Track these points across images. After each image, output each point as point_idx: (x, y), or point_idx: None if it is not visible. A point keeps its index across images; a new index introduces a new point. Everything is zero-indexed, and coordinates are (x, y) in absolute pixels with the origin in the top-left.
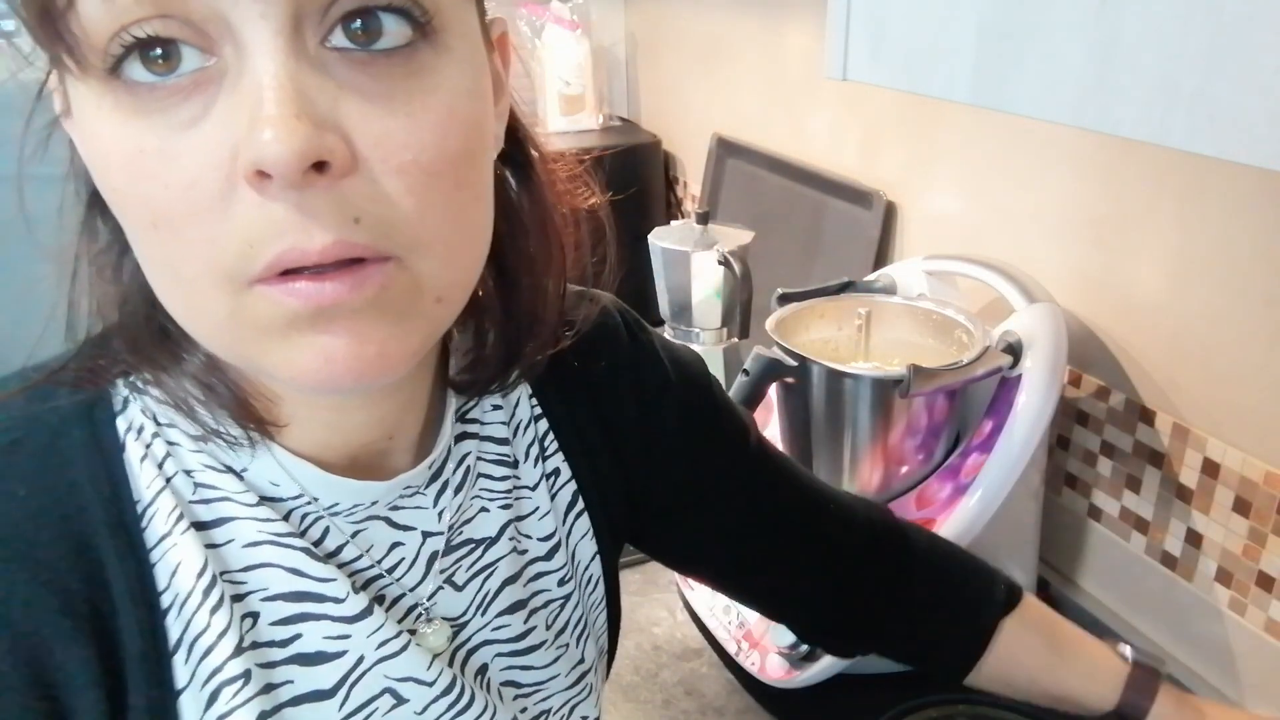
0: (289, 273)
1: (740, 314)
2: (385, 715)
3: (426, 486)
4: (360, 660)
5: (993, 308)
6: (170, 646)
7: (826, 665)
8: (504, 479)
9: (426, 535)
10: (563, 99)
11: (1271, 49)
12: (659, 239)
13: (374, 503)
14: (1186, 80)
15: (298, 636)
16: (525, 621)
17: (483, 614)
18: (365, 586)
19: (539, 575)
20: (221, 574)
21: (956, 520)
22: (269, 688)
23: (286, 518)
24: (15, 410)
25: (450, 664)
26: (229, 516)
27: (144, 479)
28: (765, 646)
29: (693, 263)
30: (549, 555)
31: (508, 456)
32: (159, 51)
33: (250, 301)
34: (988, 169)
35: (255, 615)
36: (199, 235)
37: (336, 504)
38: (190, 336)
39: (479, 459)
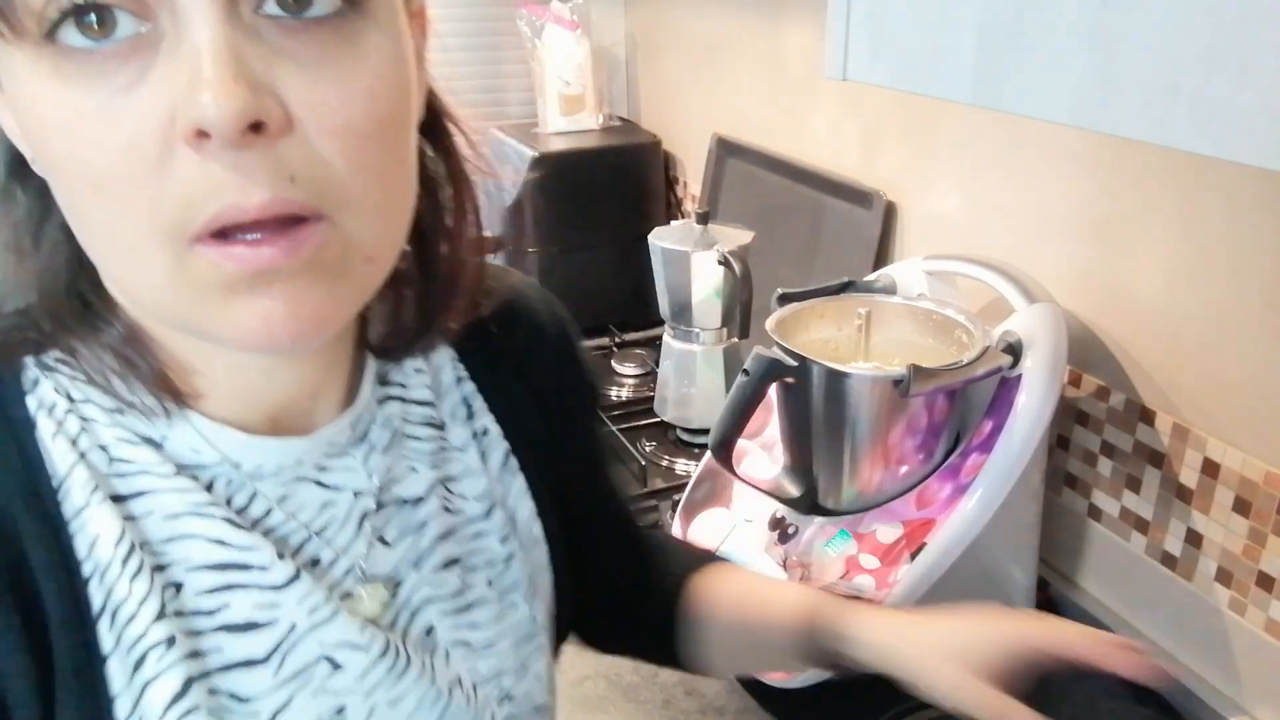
0: (226, 235)
1: (740, 314)
2: (324, 682)
3: (354, 448)
4: (293, 628)
5: (993, 308)
6: (94, 613)
7: None
8: (430, 439)
9: (357, 495)
10: (563, 99)
11: (1271, 49)
12: (659, 239)
13: (299, 463)
14: (1186, 80)
15: (225, 606)
16: (462, 579)
17: (418, 570)
18: (296, 552)
19: (478, 535)
20: (142, 544)
21: (956, 520)
22: (196, 654)
23: (209, 487)
24: None
25: (392, 627)
26: (147, 489)
27: (57, 454)
28: None
29: (693, 263)
30: (487, 514)
31: (434, 419)
32: (94, 17)
33: (191, 263)
34: (988, 169)
35: (179, 585)
36: (139, 196)
37: (260, 466)
38: (111, 307)
39: (404, 421)
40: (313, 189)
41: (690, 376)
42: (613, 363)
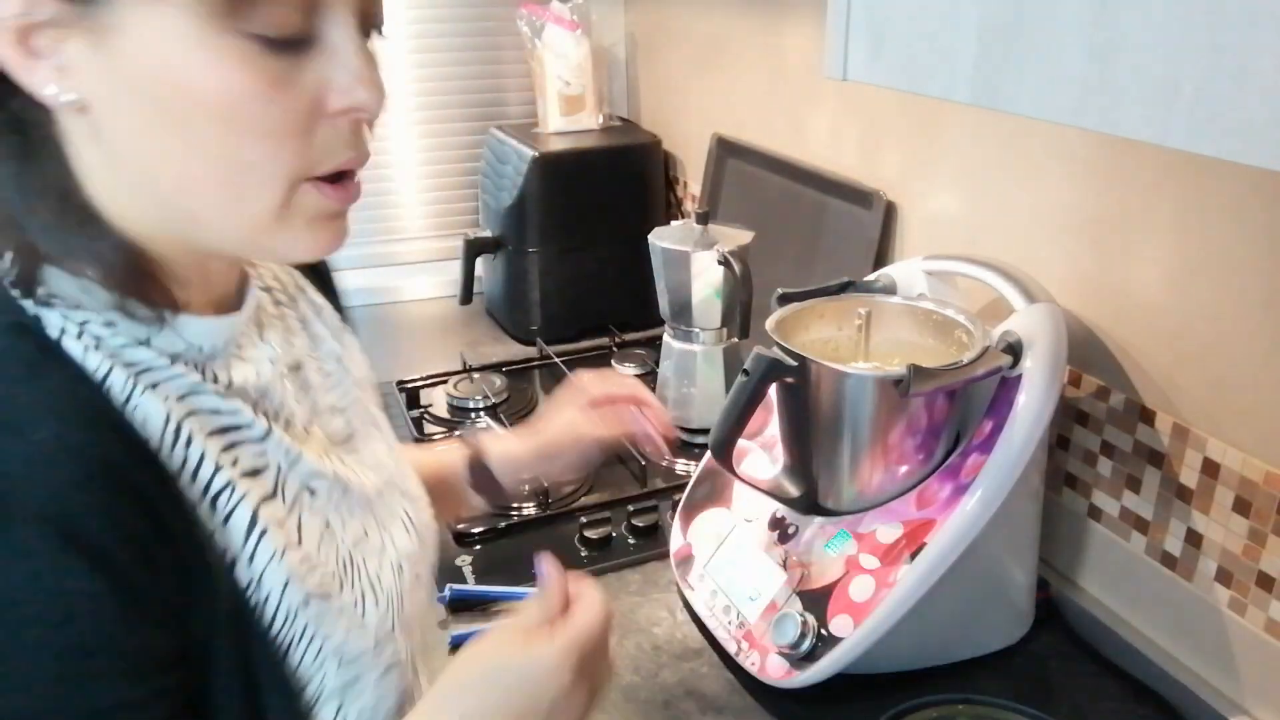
0: (330, 180)
1: (740, 314)
2: (310, 506)
3: (252, 329)
4: (280, 469)
5: (993, 308)
6: (169, 473)
7: (826, 665)
8: (289, 317)
9: (272, 361)
10: (563, 99)
11: (1271, 49)
12: (659, 239)
13: (230, 341)
14: (1186, 80)
15: (237, 459)
16: (346, 421)
17: (319, 419)
18: (262, 408)
19: (340, 383)
20: (181, 418)
21: (956, 520)
22: (242, 496)
23: (199, 369)
24: None
25: (330, 458)
26: (157, 380)
27: (90, 365)
28: (765, 646)
29: (693, 263)
30: (345, 367)
31: (283, 299)
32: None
33: (297, 197)
34: (988, 169)
35: (204, 450)
36: (288, 145)
37: (215, 346)
38: (114, 224)
39: (273, 303)
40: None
41: (690, 376)
42: (613, 363)
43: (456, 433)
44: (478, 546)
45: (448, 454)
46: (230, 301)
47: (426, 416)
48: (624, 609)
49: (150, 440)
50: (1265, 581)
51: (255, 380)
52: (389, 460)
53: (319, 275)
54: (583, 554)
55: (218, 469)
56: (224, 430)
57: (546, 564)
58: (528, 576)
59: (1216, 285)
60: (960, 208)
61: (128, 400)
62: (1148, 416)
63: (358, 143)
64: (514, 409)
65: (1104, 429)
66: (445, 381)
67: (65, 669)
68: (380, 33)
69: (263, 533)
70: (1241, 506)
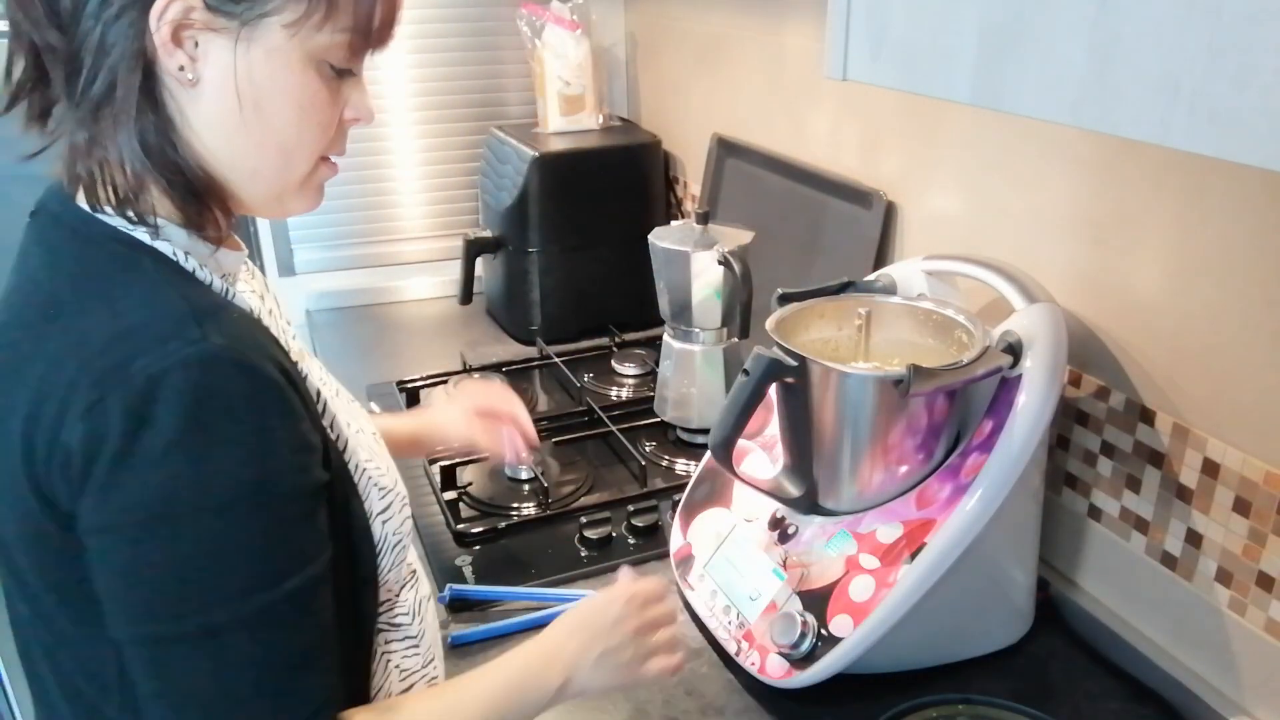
0: (328, 160)
1: (740, 314)
2: (345, 406)
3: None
4: (321, 376)
5: (993, 308)
6: (300, 373)
7: (826, 665)
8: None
9: (261, 295)
10: (563, 99)
11: (1271, 49)
12: (659, 239)
13: (237, 273)
14: (1186, 80)
15: (308, 373)
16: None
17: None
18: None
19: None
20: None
21: (956, 520)
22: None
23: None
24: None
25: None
26: (255, 308)
27: (205, 277)
28: (765, 646)
29: (693, 263)
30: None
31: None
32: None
33: (316, 169)
34: (988, 169)
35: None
36: (323, 136)
37: (232, 275)
38: (205, 171)
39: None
40: None
41: (690, 376)
42: (613, 363)
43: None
44: (477, 546)
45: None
46: (232, 243)
47: None
48: None
49: (267, 329)
50: (1265, 581)
51: (260, 305)
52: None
53: None
54: (583, 554)
55: (302, 368)
56: (286, 353)
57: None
58: (528, 576)
59: (1216, 285)
60: (960, 208)
61: (258, 320)
62: (1148, 416)
63: (345, 141)
64: None
65: (1104, 429)
66: (445, 381)
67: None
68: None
69: (343, 424)
70: (1241, 506)
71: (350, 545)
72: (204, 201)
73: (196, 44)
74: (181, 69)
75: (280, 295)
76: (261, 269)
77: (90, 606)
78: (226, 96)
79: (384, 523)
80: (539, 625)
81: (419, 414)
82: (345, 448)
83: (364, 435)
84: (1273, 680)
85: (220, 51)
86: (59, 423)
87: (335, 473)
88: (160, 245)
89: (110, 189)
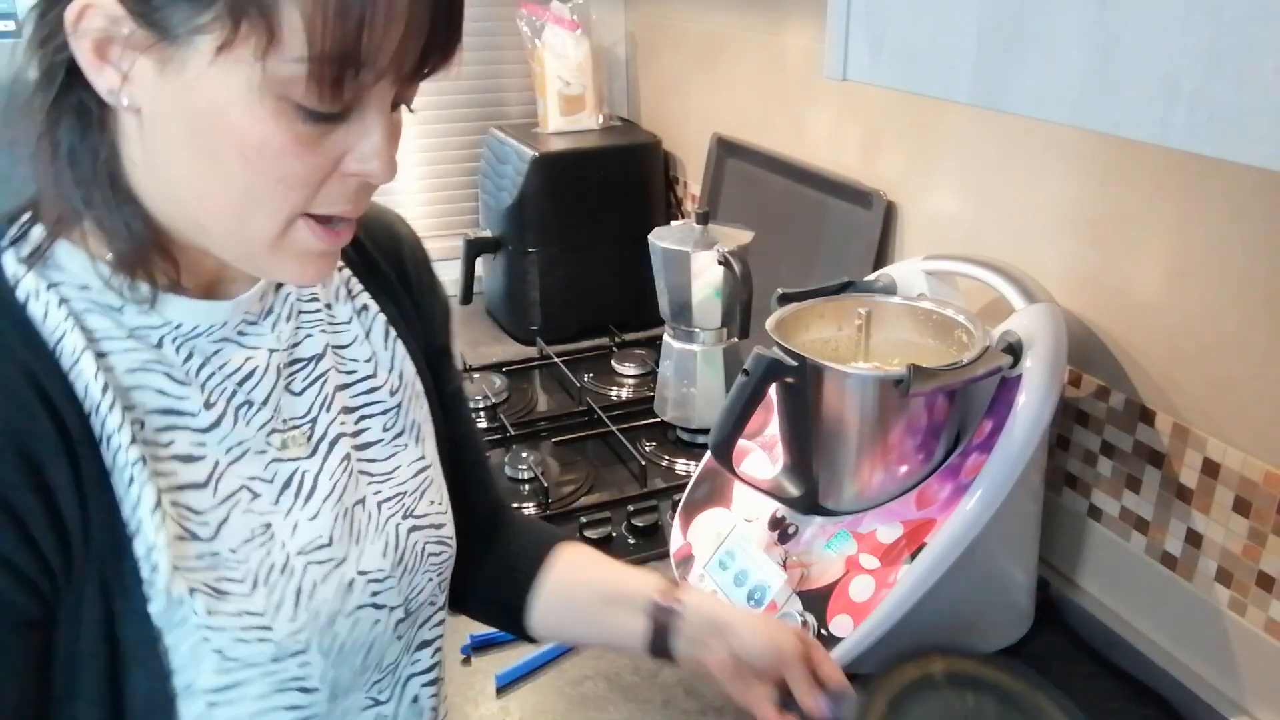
0: (324, 220)
1: (740, 314)
2: (248, 505)
3: (264, 319)
4: (217, 463)
5: (993, 308)
6: (95, 437)
7: None
8: (319, 313)
9: (271, 352)
10: (563, 99)
11: (1271, 49)
12: (659, 239)
13: (225, 324)
14: (1186, 80)
15: (172, 441)
16: (360, 423)
17: (327, 411)
18: (229, 400)
19: (370, 389)
20: (114, 388)
21: (956, 520)
22: (160, 474)
23: (159, 344)
24: None
25: (312, 455)
26: (109, 350)
27: (49, 326)
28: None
29: (693, 263)
30: (375, 373)
31: (320, 297)
32: (324, 115)
33: (292, 231)
34: (988, 169)
35: (142, 422)
36: (297, 190)
37: (196, 327)
38: (143, 204)
39: (298, 299)
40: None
41: (690, 376)
42: (613, 363)
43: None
44: None
45: (638, 581)
46: (232, 288)
47: None
48: None
49: (83, 403)
50: (1265, 581)
51: (240, 365)
52: (410, 475)
53: (411, 268)
54: None
55: (136, 442)
56: (165, 411)
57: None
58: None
59: (1216, 285)
60: (960, 208)
61: (75, 364)
62: (1148, 416)
63: (360, 200)
64: (514, 409)
65: (1104, 429)
66: None
67: None
68: (409, 108)
69: (164, 516)
70: (1241, 506)
71: None
72: (141, 249)
73: (126, 62)
74: (111, 91)
75: (397, 357)
76: None
77: None
78: (164, 132)
79: (210, 706)
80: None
81: (738, 614)
82: (154, 585)
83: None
84: (1273, 680)
85: (151, 75)
86: None
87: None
88: (26, 279)
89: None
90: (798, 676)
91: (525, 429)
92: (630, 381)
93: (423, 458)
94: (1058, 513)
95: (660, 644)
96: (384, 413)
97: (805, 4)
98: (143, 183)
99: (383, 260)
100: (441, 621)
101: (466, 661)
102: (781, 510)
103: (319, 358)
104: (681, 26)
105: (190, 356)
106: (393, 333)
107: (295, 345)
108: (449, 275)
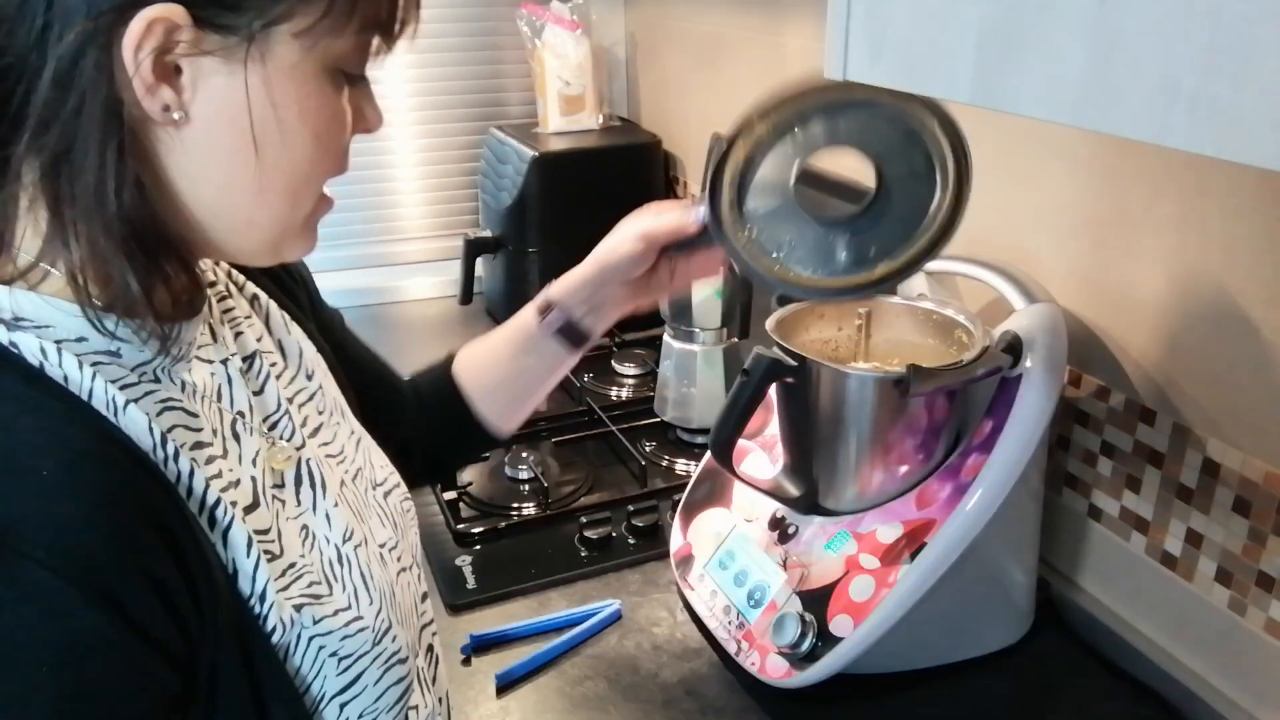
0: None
1: (740, 314)
2: (285, 512)
3: (206, 327)
4: (254, 479)
5: (993, 308)
6: (174, 487)
7: (826, 665)
8: (230, 310)
9: (224, 361)
10: (563, 99)
11: (1271, 49)
12: None
13: (192, 342)
14: (1186, 80)
15: (217, 472)
16: (303, 411)
17: (288, 402)
18: (221, 417)
19: (291, 378)
20: (163, 433)
21: (956, 520)
22: (230, 505)
23: (157, 379)
24: None
25: (302, 444)
26: (136, 396)
27: (74, 385)
28: (765, 646)
29: None
30: (287, 361)
31: (222, 294)
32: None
33: (316, 204)
34: (987, 169)
35: (192, 462)
36: (339, 160)
37: (179, 352)
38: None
39: (217, 299)
40: None
41: (690, 376)
42: (613, 363)
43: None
44: (477, 546)
45: (521, 317)
46: (184, 306)
47: None
48: (625, 610)
49: (146, 456)
50: (1265, 581)
51: (209, 381)
52: (353, 449)
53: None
54: (583, 554)
55: (208, 483)
56: (196, 445)
57: None
58: (528, 576)
59: (1216, 285)
60: None
61: (115, 416)
62: (1148, 416)
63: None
64: None
65: (1104, 429)
66: None
67: (68, 712)
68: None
69: (249, 543)
70: (1241, 506)
71: None
72: (156, 272)
73: (181, 73)
74: (166, 109)
75: (296, 337)
76: None
77: None
78: (225, 134)
79: (341, 707)
80: (579, 643)
81: (585, 262)
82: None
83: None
84: (1273, 680)
85: (218, 78)
86: None
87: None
88: (23, 340)
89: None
90: (662, 227)
91: (525, 429)
92: (630, 381)
93: (354, 431)
94: (1058, 513)
95: (577, 336)
96: (311, 397)
97: (805, 4)
98: (173, 198)
99: None
100: (419, 575)
101: (466, 662)
102: (781, 510)
103: (260, 352)
104: (681, 26)
105: (182, 384)
106: (285, 316)
107: (237, 342)
108: (449, 275)
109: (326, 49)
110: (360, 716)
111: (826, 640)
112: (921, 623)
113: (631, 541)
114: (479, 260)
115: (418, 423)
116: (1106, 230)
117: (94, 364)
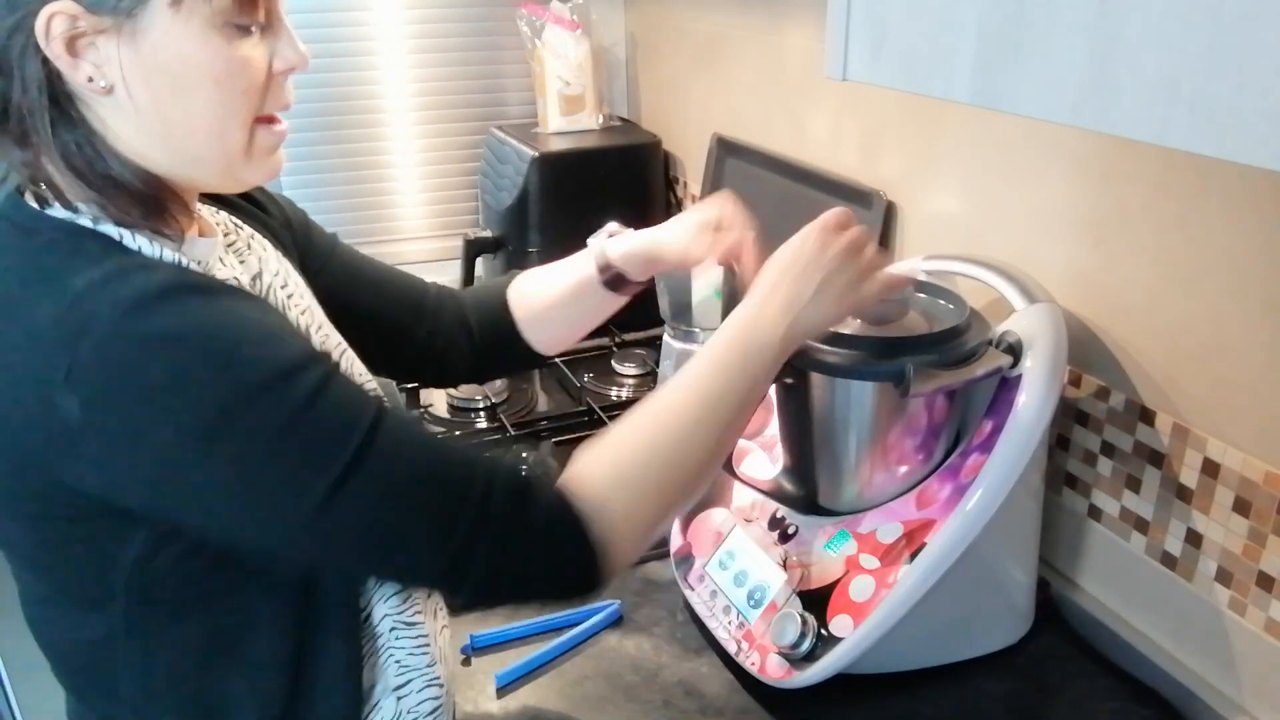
0: (271, 120)
1: None
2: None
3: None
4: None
5: (993, 308)
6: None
7: (826, 665)
8: (234, 242)
9: (236, 277)
10: (563, 99)
11: (1271, 49)
12: None
13: (212, 260)
14: (1186, 80)
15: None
16: (301, 317)
17: (292, 313)
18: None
19: (291, 294)
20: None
21: (956, 520)
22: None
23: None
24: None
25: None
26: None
27: (153, 252)
28: (765, 646)
29: None
30: (287, 280)
31: (226, 228)
32: (248, 26)
33: (255, 135)
34: (988, 169)
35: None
36: (250, 100)
37: (206, 262)
38: (141, 169)
39: (223, 233)
40: None
41: None
42: (613, 363)
43: (588, 240)
44: None
45: (579, 265)
46: (204, 229)
47: (426, 416)
48: (624, 609)
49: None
50: (1265, 581)
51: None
52: (337, 355)
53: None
54: None
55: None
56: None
57: None
58: None
59: (1216, 285)
60: (960, 208)
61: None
62: (1148, 416)
63: (287, 92)
64: (514, 409)
65: (1104, 429)
66: None
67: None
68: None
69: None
70: (1241, 506)
71: None
72: (155, 205)
73: (96, 50)
74: (90, 80)
75: (287, 265)
76: None
77: (102, 594)
78: (142, 94)
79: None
80: (578, 644)
81: (646, 232)
82: None
83: None
84: (1273, 680)
85: (119, 50)
86: (48, 406)
87: None
88: (105, 228)
89: (56, 196)
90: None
91: (525, 429)
92: (630, 381)
93: (340, 342)
94: (1058, 513)
95: (628, 287)
96: (304, 312)
97: (805, 4)
98: (130, 152)
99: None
100: None
101: (466, 662)
102: (781, 510)
103: (263, 271)
104: (681, 26)
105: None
106: (278, 251)
107: (245, 266)
108: (449, 275)
109: (195, 10)
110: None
111: (826, 640)
112: (921, 623)
113: None
114: (479, 260)
115: (457, 326)
116: (1106, 230)
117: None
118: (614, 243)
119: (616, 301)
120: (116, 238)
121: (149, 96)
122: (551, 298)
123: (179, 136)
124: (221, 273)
